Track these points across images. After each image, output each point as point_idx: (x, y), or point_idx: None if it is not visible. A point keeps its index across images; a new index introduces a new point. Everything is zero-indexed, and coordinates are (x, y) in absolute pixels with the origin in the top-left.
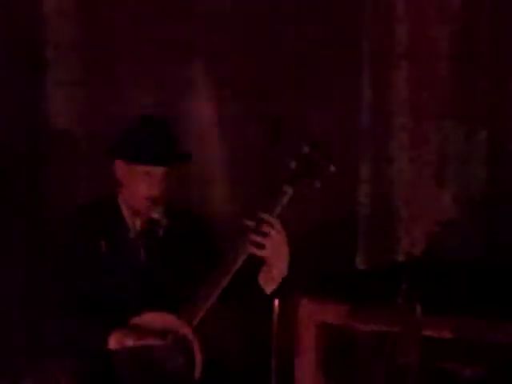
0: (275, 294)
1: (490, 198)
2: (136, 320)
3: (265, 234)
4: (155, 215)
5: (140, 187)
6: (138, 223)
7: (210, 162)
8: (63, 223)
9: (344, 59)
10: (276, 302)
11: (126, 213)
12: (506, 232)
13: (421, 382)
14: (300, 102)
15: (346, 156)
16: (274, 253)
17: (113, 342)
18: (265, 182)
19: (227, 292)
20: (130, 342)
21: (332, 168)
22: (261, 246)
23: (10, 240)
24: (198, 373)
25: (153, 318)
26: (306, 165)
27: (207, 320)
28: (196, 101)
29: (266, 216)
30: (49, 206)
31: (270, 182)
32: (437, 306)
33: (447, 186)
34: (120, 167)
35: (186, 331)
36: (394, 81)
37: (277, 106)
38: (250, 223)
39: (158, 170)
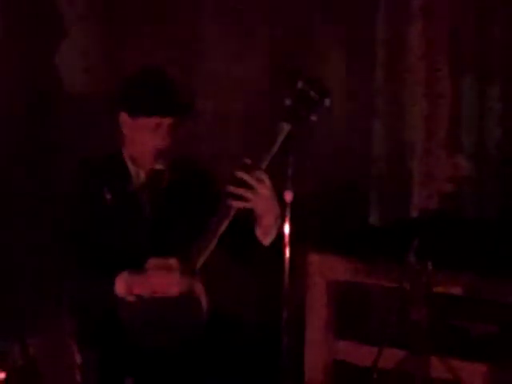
0: (275, 246)
1: (504, 154)
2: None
3: (250, 187)
4: (158, 166)
5: (144, 139)
6: (141, 175)
7: (223, 117)
8: (67, 175)
9: None
10: (287, 255)
11: (130, 165)
12: None
13: (432, 338)
14: (315, 58)
15: (360, 112)
16: (260, 205)
17: (120, 285)
18: None
19: (230, 245)
20: (136, 284)
21: (327, 102)
22: (244, 199)
23: (11, 190)
24: (204, 317)
25: (157, 262)
26: (300, 100)
27: (211, 268)
28: (210, 56)
29: (254, 171)
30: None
31: None
32: (449, 263)
33: (461, 143)
34: (124, 119)
35: (189, 276)
36: (409, 36)
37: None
38: (240, 175)
39: (160, 121)
